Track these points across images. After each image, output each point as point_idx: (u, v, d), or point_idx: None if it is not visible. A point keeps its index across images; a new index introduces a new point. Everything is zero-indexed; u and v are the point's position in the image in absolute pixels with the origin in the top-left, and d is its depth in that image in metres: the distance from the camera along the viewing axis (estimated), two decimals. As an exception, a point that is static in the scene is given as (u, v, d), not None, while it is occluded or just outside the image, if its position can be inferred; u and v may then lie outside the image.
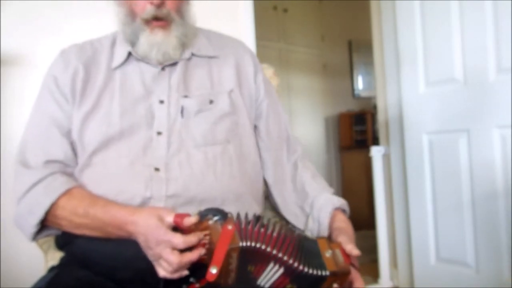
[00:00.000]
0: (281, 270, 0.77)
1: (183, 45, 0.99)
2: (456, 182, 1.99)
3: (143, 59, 0.99)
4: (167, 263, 0.76)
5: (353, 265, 0.84)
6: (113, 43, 1.03)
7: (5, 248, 1.54)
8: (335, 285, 0.79)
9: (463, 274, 1.98)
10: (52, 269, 0.94)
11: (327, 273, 0.77)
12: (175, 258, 0.75)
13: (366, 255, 2.98)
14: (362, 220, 3.99)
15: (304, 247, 0.80)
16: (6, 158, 1.54)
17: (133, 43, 0.98)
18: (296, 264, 0.76)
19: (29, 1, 1.63)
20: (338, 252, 0.82)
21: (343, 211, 1.00)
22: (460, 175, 1.97)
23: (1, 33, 1.59)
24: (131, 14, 0.97)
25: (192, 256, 0.75)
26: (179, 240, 0.75)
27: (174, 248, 0.76)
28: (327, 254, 0.80)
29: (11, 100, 1.60)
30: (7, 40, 1.60)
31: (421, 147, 2.15)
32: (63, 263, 0.96)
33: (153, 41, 0.95)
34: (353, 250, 0.84)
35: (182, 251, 0.76)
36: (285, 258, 0.76)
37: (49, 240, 1.05)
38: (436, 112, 2.08)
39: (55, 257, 1.02)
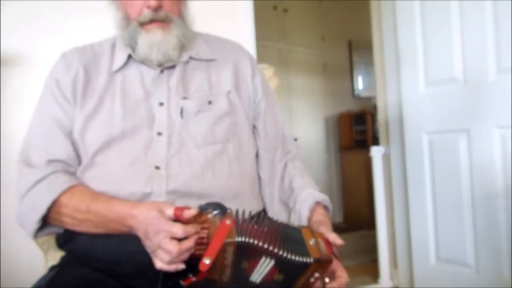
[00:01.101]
0: (272, 262, 0.78)
1: (182, 47, 1.00)
2: (456, 182, 1.99)
3: (144, 62, 1.00)
4: (166, 252, 0.76)
5: (334, 254, 0.85)
6: (113, 47, 1.05)
7: (5, 248, 1.54)
8: (316, 274, 0.80)
9: (463, 274, 1.98)
10: (52, 268, 0.95)
11: (311, 260, 0.78)
12: (174, 247, 0.75)
13: (366, 255, 2.98)
14: (362, 220, 4.00)
15: (289, 235, 0.81)
16: (6, 158, 1.54)
17: (132, 47, 0.99)
18: (285, 254, 0.77)
19: (29, 1, 1.64)
20: (320, 241, 0.83)
21: (325, 207, 1.01)
22: (460, 175, 1.97)
23: (1, 33, 1.59)
24: (126, 18, 0.98)
25: (190, 243, 0.76)
26: (179, 229, 0.76)
27: (173, 238, 0.76)
28: (311, 242, 0.82)
29: (11, 100, 1.60)
30: (7, 40, 1.60)
31: (421, 147, 2.15)
32: (63, 262, 0.96)
33: (153, 40, 0.96)
34: (336, 239, 0.85)
35: (180, 240, 0.77)
36: (276, 250, 0.77)
37: (49, 240, 1.06)
38: (436, 112, 2.08)
39: (55, 257, 1.02)
